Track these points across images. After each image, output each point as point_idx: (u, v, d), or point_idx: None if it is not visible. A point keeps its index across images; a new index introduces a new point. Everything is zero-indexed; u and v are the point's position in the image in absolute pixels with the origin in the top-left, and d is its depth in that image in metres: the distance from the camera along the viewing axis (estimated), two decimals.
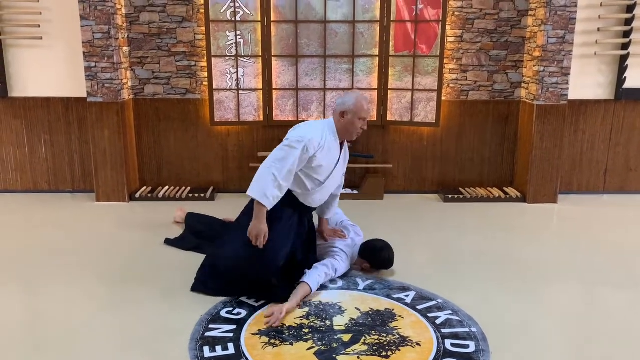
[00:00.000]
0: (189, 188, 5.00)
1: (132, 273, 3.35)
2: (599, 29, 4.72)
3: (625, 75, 4.80)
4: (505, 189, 5.04)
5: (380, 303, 2.92)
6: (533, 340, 2.59)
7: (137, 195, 4.84)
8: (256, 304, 2.90)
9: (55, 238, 3.96)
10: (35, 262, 3.51)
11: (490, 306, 2.94)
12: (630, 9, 4.67)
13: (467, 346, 2.50)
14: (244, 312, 2.82)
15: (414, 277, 3.26)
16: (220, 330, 2.64)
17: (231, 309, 2.86)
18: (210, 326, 2.68)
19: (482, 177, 5.13)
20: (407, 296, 3.01)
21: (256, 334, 2.61)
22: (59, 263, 3.49)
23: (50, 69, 4.80)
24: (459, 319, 2.76)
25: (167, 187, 5.00)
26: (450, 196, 4.88)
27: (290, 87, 4.88)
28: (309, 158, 2.92)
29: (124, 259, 3.58)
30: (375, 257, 3.27)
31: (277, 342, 2.54)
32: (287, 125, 4.96)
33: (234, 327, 2.67)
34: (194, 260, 3.45)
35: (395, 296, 3.00)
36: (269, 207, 2.85)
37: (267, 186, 2.83)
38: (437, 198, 5.02)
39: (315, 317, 2.77)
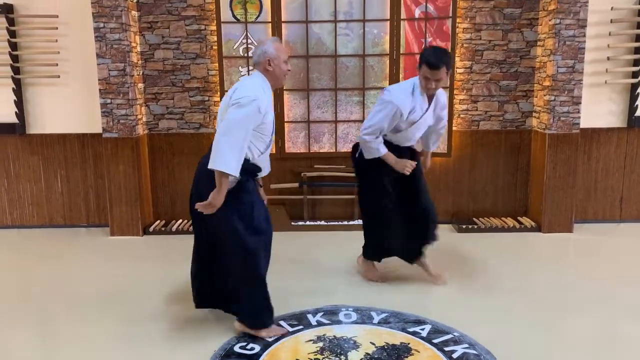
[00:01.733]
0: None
1: (145, 308, 3.34)
2: (608, 58, 4.73)
3: (637, 103, 4.79)
4: (519, 218, 4.99)
5: (395, 337, 2.88)
6: None
7: (151, 229, 4.87)
8: (270, 339, 2.87)
9: (70, 273, 3.98)
10: (50, 297, 3.53)
11: (508, 339, 2.88)
12: (639, 37, 4.69)
13: None
14: (257, 347, 2.79)
15: (429, 309, 3.22)
16: None
17: (245, 344, 2.83)
18: None
19: (496, 206, 5.10)
20: (422, 329, 2.96)
21: None
22: (73, 298, 3.50)
23: (67, 106, 4.91)
24: (476, 352, 2.71)
25: (180, 221, 5.02)
26: (464, 226, 4.84)
27: (301, 119, 4.93)
28: None
29: (138, 294, 3.57)
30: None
31: None
32: (300, 158, 5.05)
33: None
34: None
35: (411, 330, 2.96)
36: None
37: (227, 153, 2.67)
38: (450, 228, 4.98)
39: (330, 352, 2.73)
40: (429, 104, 3.44)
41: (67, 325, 3.15)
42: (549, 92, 4.59)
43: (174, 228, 4.88)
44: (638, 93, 4.78)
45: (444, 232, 4.85)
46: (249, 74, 4.76)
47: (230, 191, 2.75)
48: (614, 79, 4.78)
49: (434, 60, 3.18)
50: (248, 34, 4.77)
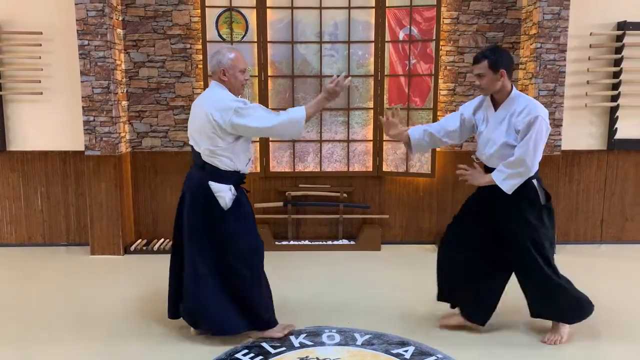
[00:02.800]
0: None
1: (126, 329, 3.27)
2: (588, 82, 4.83)
3: (616, 126, 4.88)
4: None
5: (379, 359, 2.85)
6: None
7: (132, 248, 4.80)
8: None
9: (48, 292, 3.89)
10: (28, 317, 3.44)
11: (494, 358, 2.87)
12: (617, 62, 4.80)
13: None
14: None
15: (413, 331, 3.20)
16: None
17: None
18: None
19: None
20: (406, 351, 2.94)
21: None
22: (53, 319, 3.42)
23: (49, 123, 4.86)
24: None
25: (162, 240, 4.96)
26: None
27: (287, 139, 4.93)
28: None
29: (119, 313, 3.50)
30: None
31: None
32: (284, 177, 5.04)
33: None
34: None
35: (394, 351, 2.93)
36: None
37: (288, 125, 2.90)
38: (434, 248, 4.98)
39: None
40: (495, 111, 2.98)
41: (45, 346, 3.06)
42: None
43: (155, 247, 4.81)
44: (617, 116, 4.87)
45: (427, 252, 4.88)
46: None
47: (234, 210, 2.93)
48: (594, 102, 4.87)
49: (477, 53, 2.92)
50: None
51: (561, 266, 4.39)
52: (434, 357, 2.87)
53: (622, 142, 4.93)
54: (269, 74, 4.83)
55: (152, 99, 4.89)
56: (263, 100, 4.82)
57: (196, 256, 2.97)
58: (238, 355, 2.89)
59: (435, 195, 5.08)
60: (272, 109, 4.82)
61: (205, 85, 4.78)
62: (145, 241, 4.95)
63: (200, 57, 4.79)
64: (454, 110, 4.92)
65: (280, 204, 4.94)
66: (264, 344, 3.02)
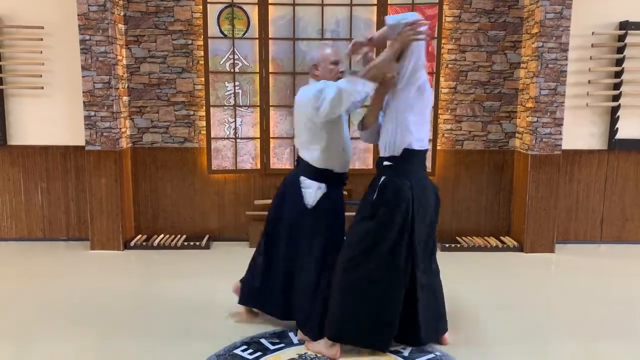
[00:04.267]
0: (184, 236, 4.96)
1: (126, 324, 3.28)
2: (589, 81, 4.82)
3: (617, 126, 4.88)
4: (502, 238, 5.02)
5: (377, 356, 2.85)
6: None
7: (132, 243, 4.80)
8: (250, 357, 2.83)
9: (48, 288, 3.89)
10: (27, 312, 3.45)
11: (490, 355, 2.87)
12: (619, 62, 4.79)
13: None
14: None
15: None
16: None
17: None
18: None
19: (479, 226, 5.12)
20: (404, 349, 2.94)
21: None
22: (52, 314, 3.42)
23: (50, 118, 4.86)
24: None
25: (162, 236, 4.96)
26: (447, 245, 4.85)
27: (287, 135, 4.93)
28: None
29: (118, 309, 3.51)
30: None
31: None
32: (285, 174, 4.99)
33: None
34: (190, 309, 3.41)
35: (393, 349, 2.93)
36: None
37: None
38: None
39: None
40: None
41: (44, 340, 3.07)
42: (531, 113, 4.65)
43: (155, 243, 4.82)
44: (618, 116, 4.87)
45: None
46: (234, 90, 4.78)
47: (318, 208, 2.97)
48: (595, 102, 4.87)
49: None
50: (235, 50, 4.78)
51: (561, 265, 4.40)
52: (432, 355, 2.88)
53: (623, 142, 4.93)
54: (270, 70, 4.82)
55: (153, 94, 4.89)
56: (264, 96, 4.82)
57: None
58: (237, 351, 2.89)
59: None
60: (273, 106, 4.85)
61: (207, 82, 4.78)
62: (145, 237, 4.95)
63: (202, 53, 4.78)
64: (455, 109, 4.95)
65: None
66: (263, 340, 3.02)
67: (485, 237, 5.03)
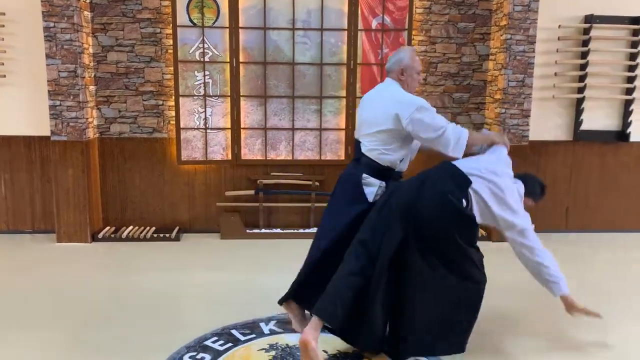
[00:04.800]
0: (153, 228, 4.90)
1: (95, 317, 3.22)
2: (556, 74, 4.92)
3: (582, 117, 4.99)
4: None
5: (347, 345, 2.87)
6: None
7: (100, 235, 4.72)
8: (221, 348, 2.82)
9: (14, 282, 3.80)
10: None
11: None
12: (584, 55, 4.90)
13: None
14: (208, 357, 2.73)
15: None
16: None
17: (195, 353, 2.77)
18: None
19: None
20: None
21: None
22: (18, 309, 3.34)
23: (13, 107, 4.72)
24: (424, 358, 2.73)
25: (131, 227, 4.89)
26: None
27: (258, 126, 4.90)
28: None
29: (87, 302, 3.44)
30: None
31: None
32: (256, 165, 5.01)
33: None
34: (160, 301, 3.38)
35: None
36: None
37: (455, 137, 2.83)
38: None
39: None
40: None
41: (11, 334, 2.99)
42: (499, 105, 4.72)
43: (124, 235, 4.74)
44: (583, 108, 4.98)
45: None
46: (204, 80, 4.72)
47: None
48: (561, 94, 4.97)
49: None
50: (205, 39, 4.72)
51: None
52: None
53: (587, 133, 5.05)
54: (241, 60, 4.78)
55: (120, 83, 4.79)
56: (235, 86, 4.78)
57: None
58: (207, 342, 2.88)
59: None
60: (244, 96, 4.81)
61: (176, 71, 4.71)
62: (113, 228, 4.87)
63: (171, 41, 4.71)
64: (425, 100, 4.97)
65: (252, 192, 4.92)
66: (234, 331, 3.01)
67: None
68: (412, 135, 2.84)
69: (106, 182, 4.90)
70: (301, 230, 4.95)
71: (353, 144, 4.90)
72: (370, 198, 2.93)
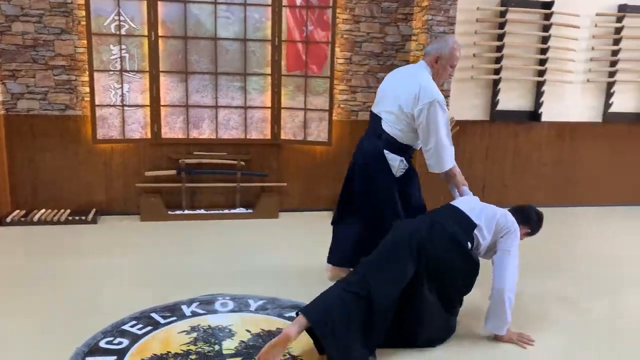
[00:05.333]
0: (68, 211, 4.64)
1: (7, 303, 3.01)
2: (474, 55, 5.08)
3: (498, 98, 5.20)
4: None
5: (272, 323, 2.87)
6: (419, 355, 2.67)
7: (9, 219, 4.41)
8: (140, 332, 2.72)
9: None
10: None
11: None
12: (500, 37, 5.09)
13: None
14: (125, 342, 2.63)
15: (307, 294, 3.23)
16: None
17: (112, 338, 2.66)
18: (87, 358, 2.47)
19: None
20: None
21: None
22: None
23: None
24: None
25: (43, 210, 4.61)
26: None
27: (179, 103, 4.73)
28: None
29: None
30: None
31: None
32: (177, 144, 4.85)
33: (114, 358, 2.48)
34: (76, 286, 3.22)
35: (287, 315, 2.96)
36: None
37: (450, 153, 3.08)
38: (330, 215, 5.07)
39: (204, 342, 2.65)
40: None
41: None
42: None
43: (35, 218, 4.46)
44: (499, 89, 5.19)
45: (325, 219, 4.95)
46: (120, 54, 4.48)
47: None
48: (479, 75, 5.14)
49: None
50: (120, 11, 4.46)
51: None
52: None
53: (502, 114, 5.28)
54: (160, 34, 4.57)
55: (27, 57, 4.46)
56: (154, 61, 4.57)
57: None
58: (125, 327, 2.77)
59: (333, 163, 5.14)
60: (164, 71, 4.62)
61: (90, 45, 4.43)
62: (24, 212, 4.57)
63: (83, 12, 4.41)
64: (350, 80, 5.00)
65: (173, 172, 4.76)
66: (154, 314, 2.92)
67: None
68: (416, 121, 2.98)
69: (14, 162, 4.57)
70: (226, 211, 4.86)
71: (275, 125, 4.87)
72: (394, 171, 3.12)
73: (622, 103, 5.55)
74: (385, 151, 3.08)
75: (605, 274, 3.81)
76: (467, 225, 2.79)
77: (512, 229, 2.82)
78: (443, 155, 3.03)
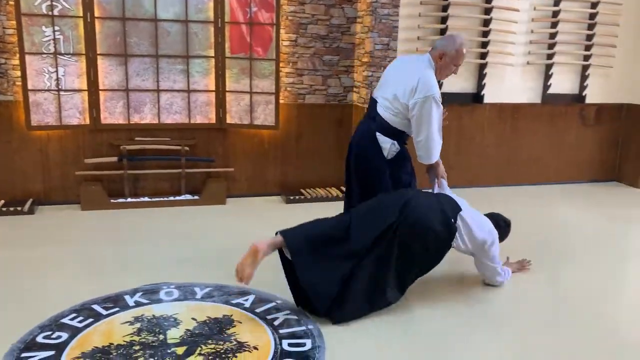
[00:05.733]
0: (2, 201, 4.42)
1: None
2: (418, 38, 5.12)
3: (442, 80, 5.26)
4: (342, 188, 5.23)
5: (218, 310, 2.83)
6: (367, 333, 2.69)
7: None
8: (80, 325, 2.62)
9: None
10: None
11: None
12: (444, 20, 5.15)
13: (303, 344, 2.51)
14: (65, 335, 2.53)
15: (254, 280, 3.19)
16: (36, 359, 2.34)
17: (50, 332, 2.55)
18: (23, 355, 2.36)
19: (322, 177, 5.28)
20: (246, 300, 2.95)
21: (78, 357, 2.36)
22: None
23: None
24: (296, 317, 2.77)
25: None
26: (291, 197, 4.94)
27: (119, 87, 4.56)
28: None
29: None
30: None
31: None
32: (118, 129, 4.67)
33: (52, 353, 2.39)
34: (12, 278, 3.07)
35: (234, 301, 2.93)
36: None
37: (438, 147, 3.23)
38: (279, 200, 5.05)
39: (147, 332, 2.58)
40: None
41: None
42: (367, 68, 4.83)
43: None
44: None
45: (273, 204, 4.93)
46: (54, 36, 4.27)
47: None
48: None
49: None
50: None
51: None
52: (273, 304, 2.92)
53: (447, 96, 5.33)
54: (96, 15, 4.36)
55: None
56: (90, 44, 4.37)
57: None
58: (65, 320, 2.67)
59: (280, 147, 5.10)
60: (102, 54, 4.43)
61: (20, 26, 4.18)
62: None
63: None
64: (296, 62, 4.95)
65: (115, 159, 4.60)
66: (95, 306, 2.82)
67: (328, 188, 5.21)
68: (409, 113, 3.09)
69: None
70: (171, 198, 4.75)
71: (220, 109, 4.78)
72: (385, 153, 3.21)
73: (559, 84, 5.75)
74: (378, 133, 3.19)
75: (542, 249, 3.96)
76: (454, 206, 2.99)
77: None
78: (432, 149, 3.18)
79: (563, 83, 5.78)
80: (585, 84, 5.80)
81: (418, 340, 2.65)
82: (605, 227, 4.57)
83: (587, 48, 5.70)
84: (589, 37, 5.69)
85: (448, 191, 3.35)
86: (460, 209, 2.98)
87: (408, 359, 2.48)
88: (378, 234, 2.74)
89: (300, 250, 2.70)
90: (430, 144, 3.16)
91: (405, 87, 3.08)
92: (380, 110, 3.21)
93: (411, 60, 3.30)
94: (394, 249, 2.77)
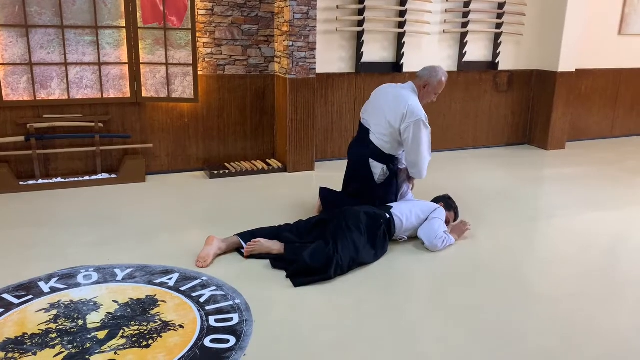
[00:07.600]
0: None
1: None
2: (338, 7, 5.10)
3: (362, 50, 5.31)
4: (268, 160, 5.20)
5: (141, 291, 2.75)
6: (293, 304, 2.71)
7: None
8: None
9: None
10: None
11: (253, 276, 2.98)
12: None
13: (230, 319, 2.49)
14: None
15: (179, 259, 3.14)
16: None
17: None
18: None
19: (246, 151, 5.21)
20: (170, 279, 2.88)
21: None
22: None
23: None
24: (223, 293, 2.75)
25: None
26: (215, 172, 4.85)
27: (22, 61, 4.23)
28: None
29: None
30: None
31: (17, 354, 2.19)
32: (23, 107, 4.36)
33: None
34: None
35: (158, 281, 2.86)
36: None
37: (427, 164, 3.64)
38: (203, 175, 4.95)
39: (65, 318, 2.47)
40: None
41: None
42: (287, 37, 4.76)
43: None
44: (363, 41, 5.29)
45: (197, 180, 4.82)
46: None
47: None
48: (344, 27, 5.19)
49: None
50: None
51: (320, 180, 4.74)
52: (198, 281, 2.88)
53: (367, 66, 5.41)
54: None
55: None
56: None
57: None
58: None
59: (201, 121, 4.97)
60: (6, 25, 4.10)
61: None
62: None
63: None
64: (214, 32, 4.80)
65: (21, 138, 4.30)
66: (5, 295, 2.66)
67: (253, 161, 5.15)
68: (402, 136, 3.48)
69: None
70: (87, 178, 4.52)
71: (135, 82, 4.56)
72: (376, 178, 3.62)
73: (474, 52, 5.95)
74: (371, 160, 3.61)
75: (460, 211, 4.14)
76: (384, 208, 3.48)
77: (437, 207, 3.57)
78: (422, 167, 3.59)
79: (477, 51, 5.98)
80: (497, 51, 6.04)
81: (342, 309, 2.70)
82: (515, 188, 4.84)
83: (499, 16, 5.92)
84: (501, 6, 5.90)
85: (410, 196, 3.85)
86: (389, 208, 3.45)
87: (333, 326, 2.53)
88: (314, 221, 3.37)
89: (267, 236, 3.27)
90: (421, 163, 3.57)
91: (396, 114, 3.47)
92: (373, 138, 3.59)
93: (397, 89, 3.61)
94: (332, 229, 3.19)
